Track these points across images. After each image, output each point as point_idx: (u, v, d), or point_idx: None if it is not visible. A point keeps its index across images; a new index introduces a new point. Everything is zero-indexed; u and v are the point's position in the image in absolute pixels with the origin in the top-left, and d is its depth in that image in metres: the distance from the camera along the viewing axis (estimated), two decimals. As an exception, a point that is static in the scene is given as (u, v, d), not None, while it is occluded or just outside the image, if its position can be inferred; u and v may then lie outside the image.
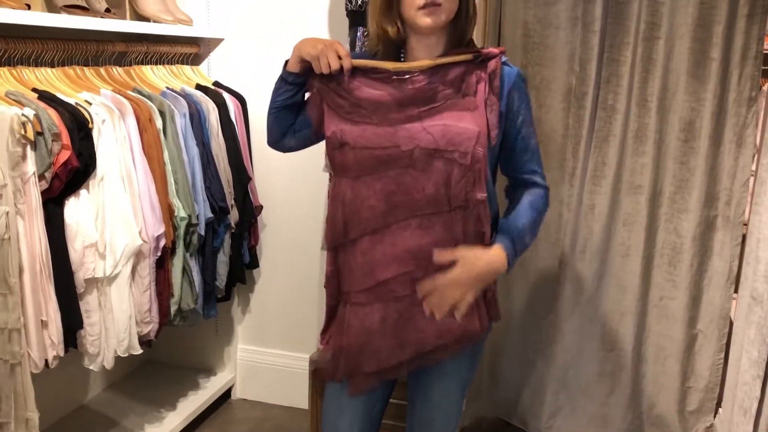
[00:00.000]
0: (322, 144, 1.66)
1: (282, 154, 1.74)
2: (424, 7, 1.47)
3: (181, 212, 2.19)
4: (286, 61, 1.60)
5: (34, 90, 1.92)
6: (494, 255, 1.51)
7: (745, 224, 2.42)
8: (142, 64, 2.43)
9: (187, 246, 2.25)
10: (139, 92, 2.20)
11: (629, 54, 2.40)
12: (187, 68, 2.60)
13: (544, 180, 1.65)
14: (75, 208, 1.88)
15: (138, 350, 2.09)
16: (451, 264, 1.47)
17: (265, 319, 2.93)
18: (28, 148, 1.72)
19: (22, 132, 1.68)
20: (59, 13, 2.03)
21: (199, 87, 2.50)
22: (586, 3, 2.40)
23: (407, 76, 1.52)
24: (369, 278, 1.53)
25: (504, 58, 1.57)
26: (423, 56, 1.56)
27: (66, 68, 2.11)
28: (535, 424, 2.72)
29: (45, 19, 1.93)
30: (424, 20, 1.48)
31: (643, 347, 2.59)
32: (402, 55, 1.59)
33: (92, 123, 1.90)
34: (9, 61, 1.95)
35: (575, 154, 2.52)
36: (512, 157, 1.62)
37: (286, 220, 2.82)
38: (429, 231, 1.50)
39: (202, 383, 2.87)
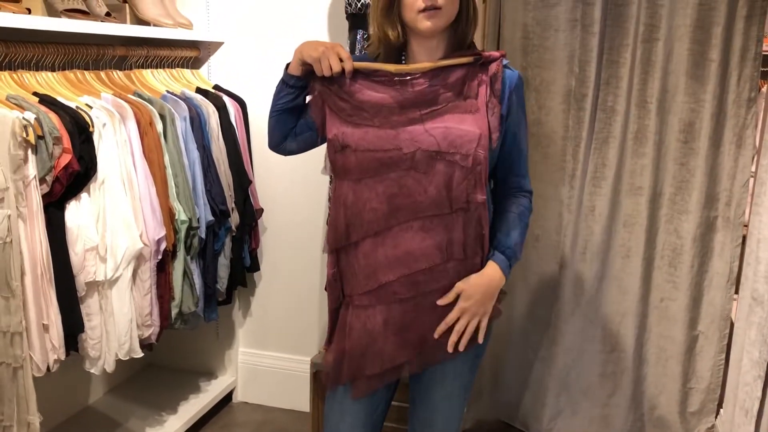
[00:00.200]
0: (322, 146, 1.67)
1: (282, 157, 1.75)
2: (424, 10, 1.48)
3: (181, 215, 2.19)
4: (288, 64, 1.61)
5: (35, 94, 1.92)
6: (490, 275, 1.55)
7: (745, 225, 2.42)
8: (143, 67, 2.43)
9: (187, 249, 2.25)
10: (140, 96, 2.21)
11: (628, 56, 2.40)
12: (187, 72, 2.61)
13: (530, 184, 1.69)
14: (76, 212, 1.89)
15: (139, 353, 2.09)
16: (455, 301, 1.54)
17: (266, 322, 2.93)
18: (30, 151, 1.72)
19: (24, 135, 1.68)
20: (60, 17, 2.03)
21: (199, 90, 2.50)
22: (585, 5, 2.41)
23: (408, 78, 1.53)
24: (371, 281, 1.53)
25: (505, 61, 1.58)
26: (424, 59, 1.56)
27: (67, 72, 2.12)
28: (536, 427, 2.72)
29: (45, 23, 1.93)
30: (425, 23, 1.49)
31: (644, 348, 2.59)
32: (403, 58, 1.59)
33: (93, 127, 1.91)
34: (10, 65, 1.95)
35: (575, 156, 2.52)
36: (506, 159, 1.63)
37: (287, 223, 2.82)
38: (430, 233, 1.50)
39: (203, 386, 2.87)
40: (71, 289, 1.88)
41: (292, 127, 1.65)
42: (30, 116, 1.73)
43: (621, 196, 2.51)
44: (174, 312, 2.23)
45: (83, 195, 1.90)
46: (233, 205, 2.48)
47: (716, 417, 2.56)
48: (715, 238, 2.47)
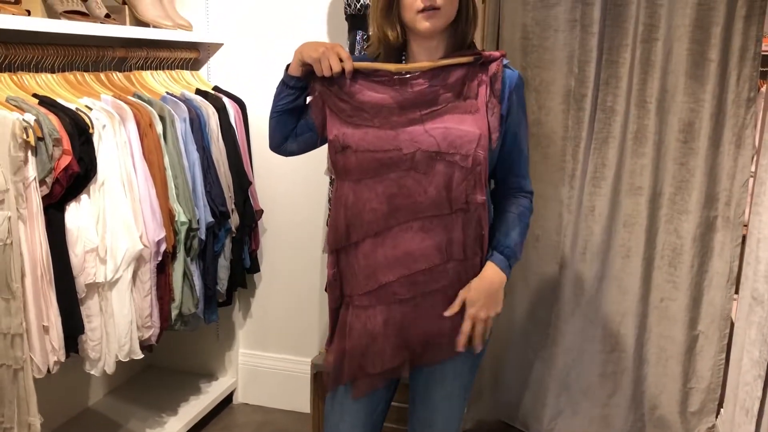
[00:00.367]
0: (323, 148, 1.67)
1: (282, 158, 1.75)
2: (423, 10, 1.48)
3: (181, 217, 2.19)
4: (288, 65, 1.61)
5: (35, 95, 1.92)
6: (490, 277, 1.56)
7: (745, 225, 2.43)
8: (142, 69, 2.43)
9: (187, 250, 2.25)
10: (140, 97, 2.21)
11: (628, 56, 2.40)
12: (186, 73, 2.61)
13: (530, 184, 1.68)
14: (76, 213, 1.89)
15: (139, 355, 2.09)
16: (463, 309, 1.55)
17: (266, 324, 2.93)
18: (30, 153, 1.72)
19: (24, 137, 1.68)
20: (59, 18, 2.03)
21: (199, 92, 2.50)
22: (584, 5, 2.41)
23: (408, 76, 1.53)
24: (371, 281, 1.53)
25: (505, 61, 1.58)
26: (424, 60, 1.56)
27: (66, 74, 2.12)
28: (536, 427, 2.72)
29: (45, 24, 1.93)
30: (423, 24, 1.49)
31: (644, 348, 2.59)
32: (403, 59, 1.59)
33: (93, 128, 1.91)
34: (9, 67, 1.95)
35: (575, 156, 2.52)
36: (506, 159, 1.62)
37: (287, 224, 2.82)
38: (430, 233, 1.50)
39: (203, 388, 2.87)
40: (71, 291, 1.88)
41: (293, 128, 1.65)
42: (30, 118, 1.73)
43: (621, 196, 2.51)
44: (174, 313, 2.23)
45: (83, 196, 1.90)
46: (233, 206, 2.48)
47: (717, 417, 2.56)
48: (715, 237, 2.47)
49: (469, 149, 1.47)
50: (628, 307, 2.56)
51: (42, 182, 1.76)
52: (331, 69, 1.51)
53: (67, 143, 1.81)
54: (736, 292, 2.43)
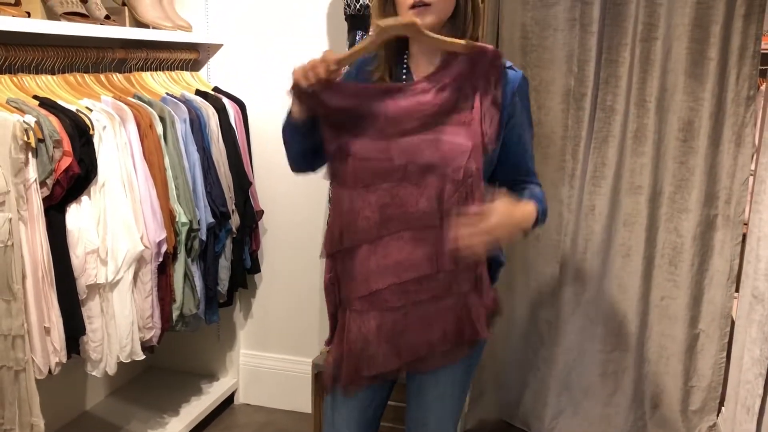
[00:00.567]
0: None
1: (282, 158, 1.73)
2: (413, 6, 1.46)
3: (182, 218, 2.19)
4: (289, 112, 1.56)
5: (35, 97, 1.92)
6: (526, 212, 1.50)
7: (745, 223, 2.43)
8: (142, 70, 2.43)
9: (188, 251, 2.25)
10: (140, 98, 2.21)
11: (627, 55, 2.41)
12: (186, 74, 2.61)
13: (537, 179, 1.66)
14: (76, 215, 1.89)
15: (140, 356, 2.09)
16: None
17: (267, 324, 2.93)
18: (30, 154, 1.72)
19: (25, 139, 1.68)
20: (59, 20, 2.03)
21: (198, 92, 2.50)
22: (583, 5, 2.41)
23: (404, 87, 1.50)
24: (364, 287, 1.52)
25: (508, 63, 1.55)
26: (423, 60, 1.55)
27: (66, 75, 2.12)
28: (538, 426, 2.72)
29: (45, 26, 1.93)
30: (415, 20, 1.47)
31: (645, 347, 2.59)
32: (405, 58, 1.58)
33: (93, 129, 1.91)
34: (10, 69, 1.96)
35: (575, 155, 2.53)
36: (511, 161, 1.60)
37: (287, 225, 2.83)
38: (421, 243, 1.48)
39: (204, 388, 2.87)
40: (72, 292, 1.88)
41: (313, 156, 1.62)
42: (30, 119, 1.73)
43: (621, 195, 2.51)
44: (175, 314, 2.23)
45: (84, 198, 1.91)
46: (233, 206, 2.49)
47: (718, 415, 2.57)
48: (715, 236, 2.47)
49: (460, 162, 1.45)
50: (628, 306, 2.56)
51: (43, 184, 1.76)
52: (320, 75, 1.45)
53: (67, 145, 1.81)
54: (737, 290, 2.44)
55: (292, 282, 2.85)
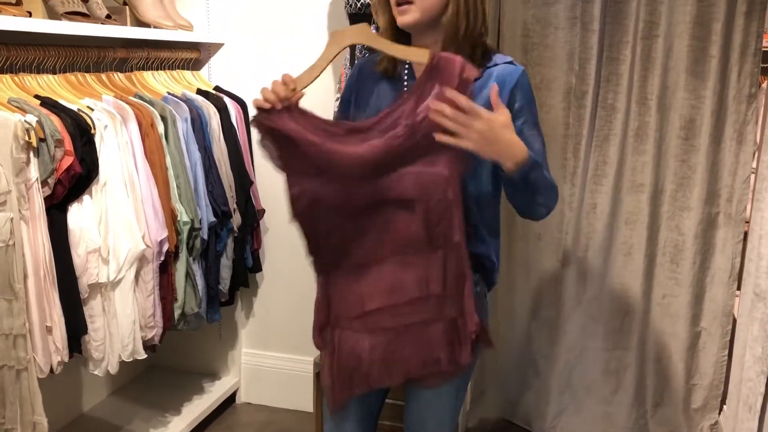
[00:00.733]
0: None
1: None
2: (399, 4, 1.44)
3: (183, 217, 2.19)
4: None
5: (37, 97, 1.92)
6: (519, 142, 1.39)
7: (747, 221, 2.43)
8: (143, 69, 2.44)
9: (190, 250, 2.25)
10: (141, 98, 2.21)
11: (628, 53, 2.40)
12: (188, 73, 2.61)
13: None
14: (78, 214, 1.89)
15: (142, 355, 2.10)
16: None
17: (268, 323, 2.93)
18: (32, 154, 1.72)
19: (26, 138, 1.68)
20: (60, 20, 2.04)
21: (200, 92, 2.50)
22: (584, 2, 2.41)
23: (372, 125, 1.43)
24: (357, 307, 1.51)
25: (508, 58, 1.51)
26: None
27: (68, 75, 2.12)
28: (539, 424, 2.72)
29: (46, 26, 1.94)
30: (399, 19, 1.45)
31: (647, 346, 2.59)
32: None
33: (94, 129, 1.91)
34: (11, 68, 1.96)
35: (576, 154, 2.53)
36: None
37: (289, 224, 2.79)
38: (410, 268, 1.46)
39: (206, 387, 2.87)
40: (74, 291, 1.88)
41: None
42: (32, 119, 1.73)
43: (622, 193, 2.51)
44: (177, 313, 2.23)
45: (85, 197, 1.91)
46: (235, 205, 2.49)
47: (720, 413, 2.56)
48: (717, 234, 2.47)
49: (440, 192, 1.41)
50: (630, 304, 2.56)
51: (44, 183, 1.76)
52: (278, 95, 1.39)
53: (68, 144, 1.81)
54: (738, 288, 2.44)
55: (293, 281, 2.85)
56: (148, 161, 2.10)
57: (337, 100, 2.39)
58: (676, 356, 2.56)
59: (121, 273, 1.97)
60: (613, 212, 2.52)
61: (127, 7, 2.39)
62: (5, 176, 1.66)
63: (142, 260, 2.05)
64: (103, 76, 2.25)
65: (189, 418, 2.62)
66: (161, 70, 2.50)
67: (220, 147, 2.44)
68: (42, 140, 1.74)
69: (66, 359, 1.87)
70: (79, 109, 1.92)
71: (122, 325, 2.01)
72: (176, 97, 2.35)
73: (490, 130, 1.33)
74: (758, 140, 2.46)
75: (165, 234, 2.12)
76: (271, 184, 2.77)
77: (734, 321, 2.45)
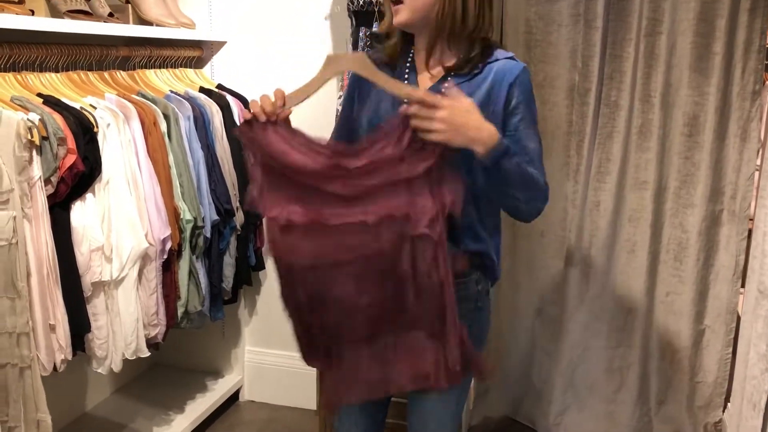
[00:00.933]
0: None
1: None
2: (393, 4, 1.44)
3: (186, 215, 2.19)
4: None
5: (39, 95, 1.92)
6: (489, 126, 1.37)
7: (751, 218, 2.42)
8: (146, 68, 2.44)
9: (193, 248, 2.25)
10: (144, 96, 2.21)
11: (632, 50, 2.40)
12: (190, 71, 2.61)
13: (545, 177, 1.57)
14: (81, 212, 1.89)
15: (145, 353, 2.10)
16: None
17: (271, 321, 2.93)
18: (34, 152, 1.72)
19: (29, 137, 1.68)
20: (63, 18, 2.04)
21: (202, 90, 2.50)
22: (587, 0, 2.40)
23: (359, 149, 1.42)
24: (335, 330, 1.56)
25: (509, 54, 1.49)
26: (422, 60, 1.50)
27: (70, 73, 2.12)
28: (542, 422, 2.72)
29: (49, 24, 1.94)
30: (393, 19, 1.45)
31: (650, 343, 2.59)
32: (411, 55, 1.55)
33: (97, 127, 1.91)
34: (14, 67, 1.96)
35: (579, 151, 2.52)
36: None
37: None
38: (386, 282, 1.45)
39: (209, 385, 2.87)
40: (77, 289, 1.88)
41: None
42: (34, 117, 1.73)
43: (626, 190, 2.51)
44: (180, 311, 2.23)
45: (88, 195, 1.91)
46: (238, 204, 2.49)
47: (724, 411, 2.56)
48: (721, 231, 2.46)
49: (424, 227, 1.38)
50: (633, 302, 2.56)
51: (47, 181, 1.76)
52: (265, 108, 1.38)
53: (71, 142, 1.81)
54: (743, 285, 2.43)
55: (296, 279, 2.85)
56: (151, 159, 2.10)
57: (340, 98, 2.39)
58: (679, 354, 2.55)
59: (124, 271, 1.98)
60: (617, 209, 2.52)
61: (129, 5, 2.39)
62: (8, 174, 1.66)
63: (145, 258, 2.05)
64: (106, 74, 2.25)
65: (192, 416, 2.62)
66: (164, 68, 2.50)
67: (223, 145, 2.44)
68: (45, 138, 1.74)
69: (69, 357, 1.87)
70: (81, 108, 1.92)
71: (125, 323, 2.01)
72: (179, 95, 2.35)
73: (453, 116, 1.33)
74: (762, 137, 2.45)
75: (168, 232, 2.12)
76: (273, 182, 2.77)
77: (738, 318, 2.45)
